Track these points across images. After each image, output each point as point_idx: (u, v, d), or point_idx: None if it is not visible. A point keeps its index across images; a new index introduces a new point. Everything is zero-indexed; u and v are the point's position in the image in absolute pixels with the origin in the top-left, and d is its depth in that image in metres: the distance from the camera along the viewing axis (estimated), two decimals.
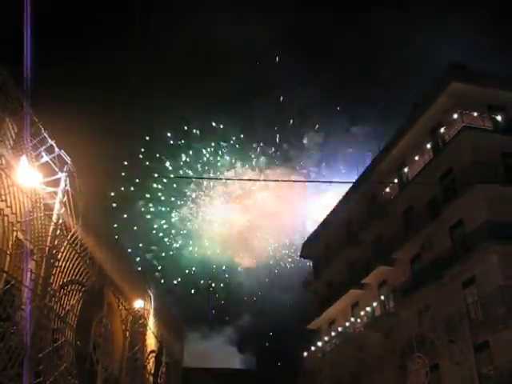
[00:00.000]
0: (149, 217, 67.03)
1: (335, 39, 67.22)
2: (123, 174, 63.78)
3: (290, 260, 69.37)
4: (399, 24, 61.08)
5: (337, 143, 67.91)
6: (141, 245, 63.99)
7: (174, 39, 65.11)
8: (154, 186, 67.08)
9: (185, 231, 69.03)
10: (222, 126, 69.19)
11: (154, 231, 67.42)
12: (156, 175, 68.99)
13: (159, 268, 65.72)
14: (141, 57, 64.91)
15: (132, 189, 65.28)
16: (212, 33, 64.19)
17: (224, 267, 68.76)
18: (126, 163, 64.52)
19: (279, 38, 69.27)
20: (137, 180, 64.69)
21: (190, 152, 69.02)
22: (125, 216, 63.07)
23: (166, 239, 68.26)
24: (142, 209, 66.37)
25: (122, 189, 64.43)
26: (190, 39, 65.40)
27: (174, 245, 68.43)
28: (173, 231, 68.74)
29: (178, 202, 69.17)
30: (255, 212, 68.27)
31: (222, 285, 69.57)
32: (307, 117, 69.80)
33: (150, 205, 67.06)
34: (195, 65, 68.12)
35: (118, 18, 65.24)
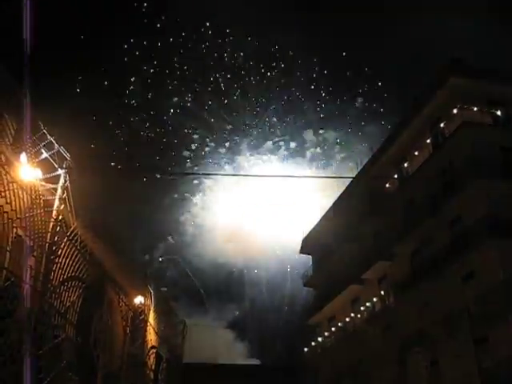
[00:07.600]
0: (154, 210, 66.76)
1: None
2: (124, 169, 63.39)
3: (290, 254, 69.28)
4: (400, 18, 60.89)
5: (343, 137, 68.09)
6: (145, 241, 63.81)
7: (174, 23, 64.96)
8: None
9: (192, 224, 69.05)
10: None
11: (161, 225, 67.27)
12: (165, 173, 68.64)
13: (163, 264, 65.53)
14: (143, 49, 64.81)
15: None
16: None
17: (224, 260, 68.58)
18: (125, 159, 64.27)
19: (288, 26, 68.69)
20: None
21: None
22: (128, 212, 62.93)
23: (171, 233, 68.32)
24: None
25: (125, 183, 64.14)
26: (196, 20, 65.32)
27: (180, 238, 68.53)
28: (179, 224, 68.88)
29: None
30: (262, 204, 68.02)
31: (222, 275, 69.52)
32: (318, 111, 69.76)
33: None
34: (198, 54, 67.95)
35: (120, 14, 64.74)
